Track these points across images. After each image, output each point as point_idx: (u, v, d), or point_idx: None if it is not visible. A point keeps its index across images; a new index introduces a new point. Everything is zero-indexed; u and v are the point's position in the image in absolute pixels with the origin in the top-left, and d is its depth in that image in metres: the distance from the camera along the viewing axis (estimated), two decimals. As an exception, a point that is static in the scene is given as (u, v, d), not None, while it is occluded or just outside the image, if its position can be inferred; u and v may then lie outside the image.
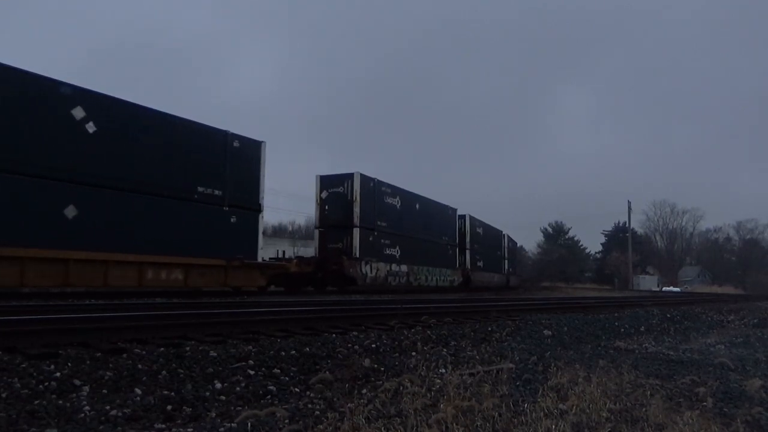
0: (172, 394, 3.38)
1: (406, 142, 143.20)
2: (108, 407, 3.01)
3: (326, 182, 20.04)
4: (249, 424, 2.69)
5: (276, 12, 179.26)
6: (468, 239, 29.62)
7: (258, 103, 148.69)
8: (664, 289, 57.78)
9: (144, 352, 4.27)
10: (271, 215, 54.93)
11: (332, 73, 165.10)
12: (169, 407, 3.15)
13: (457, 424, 2.74)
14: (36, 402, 3.00)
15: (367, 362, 4.55)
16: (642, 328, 9.50)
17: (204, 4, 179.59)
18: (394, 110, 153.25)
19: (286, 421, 2.81)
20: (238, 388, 3.65)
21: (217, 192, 14.09)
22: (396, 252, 21.77)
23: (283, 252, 19.58)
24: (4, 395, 3.06)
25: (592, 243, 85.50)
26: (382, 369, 4.49)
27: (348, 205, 19.44)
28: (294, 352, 4.84)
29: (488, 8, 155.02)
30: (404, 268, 22.22)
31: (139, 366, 3.86)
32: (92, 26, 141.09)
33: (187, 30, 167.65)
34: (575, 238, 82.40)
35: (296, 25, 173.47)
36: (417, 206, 23.85)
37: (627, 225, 60.93)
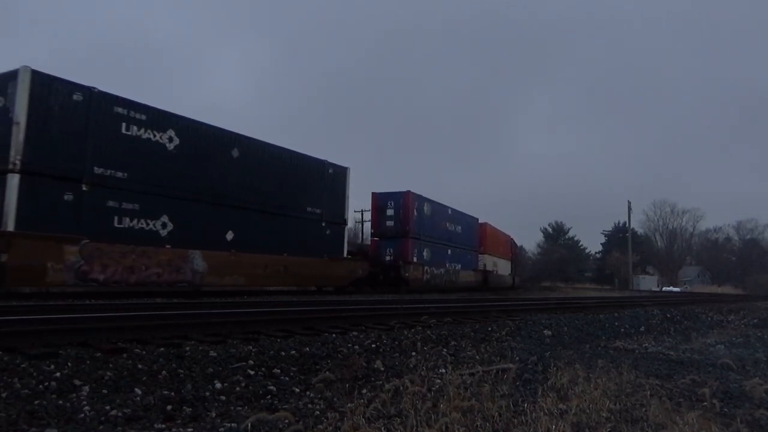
0: (172, 394, 3.38)
1: (389, 142, 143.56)
2: (108, 407, 3.00)
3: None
4: (249, 424, 2.69)
5: (244, 15, 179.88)
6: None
7: (232, 106, 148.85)
8: (664, 289, 57.76)
9: (144, 352, 4.27)
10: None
11: (309, 74, 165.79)
12: (169, 407, 3.14)
13: (457, 424, 2.74)
14: (36, 402, 3.00)
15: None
16: (642, 328, 9.51)
17: (177, 4, 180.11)
18: (377, 111, 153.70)
19: (287, 421, 2.81)
20: (238, 388, 3.65)
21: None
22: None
23: None
24: (4, 395, 3.06)
25: (592, 243, 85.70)
26: (382, 369, 4.48)
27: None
28: (294, 352, 4.84)
29: (468, 13, 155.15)
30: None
31: (139, 366, 3.86)
32: (62, 26, 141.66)
33: (160, 30, 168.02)
34: (575, 238, 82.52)
35: (264, 27, 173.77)
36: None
37: (627, 225, 60.89)
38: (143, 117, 12.38)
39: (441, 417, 2.81)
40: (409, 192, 22.51)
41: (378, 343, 5.66)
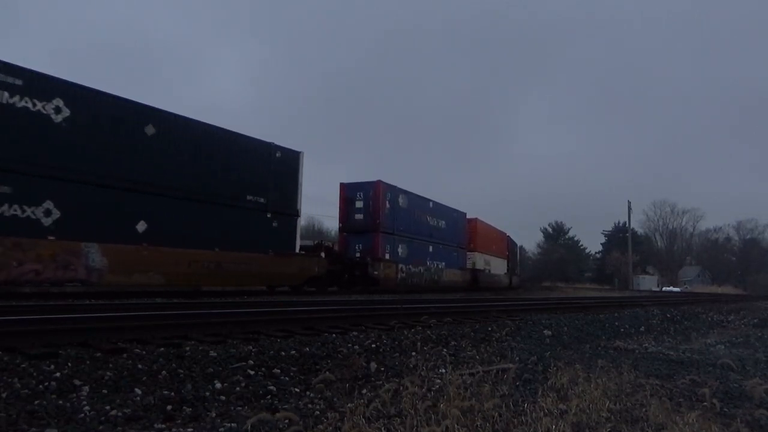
0: (172, 394, 3.38)
1: (389, 142, 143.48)
2: (108, 407, 3.01)
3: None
4: (249, 424, 2.69)
5: (244, 15, 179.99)
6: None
7: (232, 106, 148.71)
8: (664, 289, 57.79)
9: (144, 352, 4.27)
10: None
11: (309, 75, 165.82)
12: (169, 407, 3.14)
13: (457, 424, 2.74)
14: (36, 402, 3.00)
15: (373, 366, 4.54)
16: (642, 328, 9.51)
17: (177, 4, 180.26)
18: (377, 111, 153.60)
19: (287, 421, 2.81)
20: (238, 388, 3.65)
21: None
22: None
23: None
24: (4, 395, 3.06)
25: (592, 243, 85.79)
26: (382, 369, 4.48)
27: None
28: (294, 352, 4.84)
29: (464, 16, 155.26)
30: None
31: (139, 366, 3.86)
32: (62, 26, 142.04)
33: (160, 30, 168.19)
34: (575, 238, 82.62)
35: (263, 27, 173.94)
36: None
37: (627, 225, 60.89)
38: (18, 82, 10.45)
39: (441, 417, 2.81)
40: (379, 182, 20.24)
41: (378, 343, 5.66)
